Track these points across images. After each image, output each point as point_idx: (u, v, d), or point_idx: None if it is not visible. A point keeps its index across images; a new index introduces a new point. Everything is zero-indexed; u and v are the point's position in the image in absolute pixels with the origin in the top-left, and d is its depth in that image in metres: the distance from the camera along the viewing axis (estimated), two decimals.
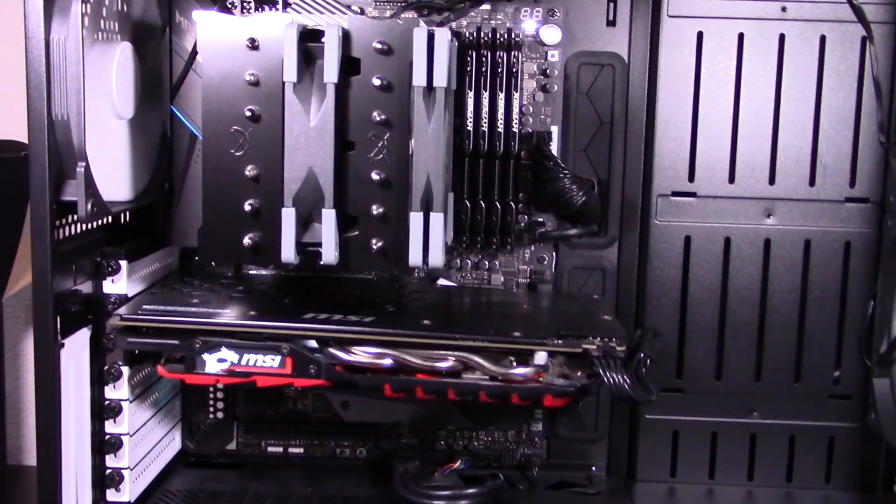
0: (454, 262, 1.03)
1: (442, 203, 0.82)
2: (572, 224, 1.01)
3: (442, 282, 1.03)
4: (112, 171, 0.88)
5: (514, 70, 0.94)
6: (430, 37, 0.79)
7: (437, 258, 0.82)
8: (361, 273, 0.98)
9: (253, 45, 0.80)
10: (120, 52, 0.87)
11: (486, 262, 1.03)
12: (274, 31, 0.80)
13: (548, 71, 1.00)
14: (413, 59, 0.79)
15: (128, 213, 0.95)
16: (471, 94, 0.93)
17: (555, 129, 1.00)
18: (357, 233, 0.82)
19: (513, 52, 0.94)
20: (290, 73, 0.79)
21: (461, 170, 0.95)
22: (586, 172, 0.99)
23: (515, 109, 0.94)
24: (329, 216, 0.81)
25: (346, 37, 0.80)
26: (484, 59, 0.94)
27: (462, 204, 0.96)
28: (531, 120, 1.00)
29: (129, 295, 0.88)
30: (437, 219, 0.82)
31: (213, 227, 0.83)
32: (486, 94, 0.93)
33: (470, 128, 0.94)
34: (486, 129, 0.94)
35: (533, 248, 1.03)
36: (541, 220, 1.01)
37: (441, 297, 0.98)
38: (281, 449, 1.08)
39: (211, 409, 1.06)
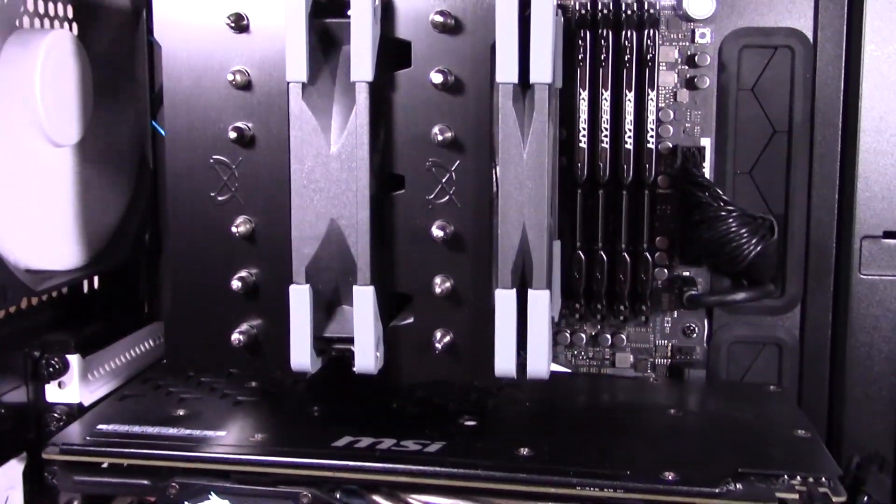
0: (563, 338, 0.90)
1: (546, 273, 0.64)
2: (734, 281, 0.86)
3: None
4: (46, 227, 0.76)
5: (649, 57, 0.82)
6: (523, 5, 0.64)
7: (540, 363, 0.65)
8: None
9: (239, 24, 0.66)
10: (48, 45, 0.72)
11: (609, 337, 0.90)
12: (271, 3, 0.65)
13: (696, 58, 0.88)
14: (496, 42, 0.64)
15: (94, 279, 0.84)
16: (584, 95, 0.82)
17: (707, 143, 0.87)
18: (411, 320, 0.68)
19: (646, 32, 0.82)
20: (299, 69, 0.64)
21: (572, 206, 0.84)
22: (752, 204, 0.86)
23: (650, 116, 0.82)
24: (364, 296, 0.65)
25: (386, 7, 0.65)
26: (603, 41, 0.82)
27: (573, 255, 0.85)
28: (672, 130, 0.87)
29: (87, 403, 0.76)
30: (539, 299, 0.64)
31: (187, 316, 0.68)
32: (605, 95, 0.81)
33: (584, 144, 0.82)
34: (606, 146, 0.82)
35: (675, 315, 0.89)
36: (687, 274, 0.87)
37: (546, 397, 0.82)
38: None
39: None
